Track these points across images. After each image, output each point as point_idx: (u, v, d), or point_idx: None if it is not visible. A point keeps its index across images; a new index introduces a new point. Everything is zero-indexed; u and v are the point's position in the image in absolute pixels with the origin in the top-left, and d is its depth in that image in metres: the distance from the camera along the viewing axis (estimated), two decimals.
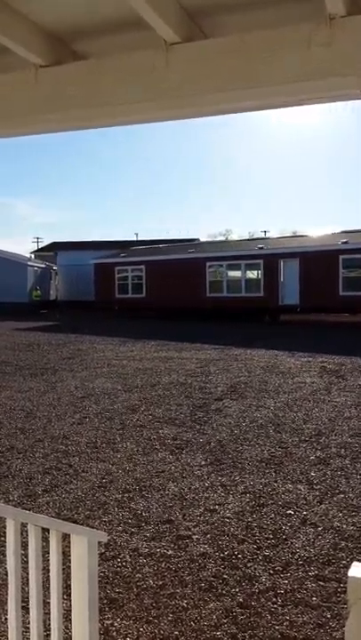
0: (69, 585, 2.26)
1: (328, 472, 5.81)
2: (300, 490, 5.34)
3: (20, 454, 6.59)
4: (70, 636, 2.25)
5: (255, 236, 45.23)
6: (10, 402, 9.47)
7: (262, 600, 3.53)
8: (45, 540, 2.21)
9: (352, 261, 24.02)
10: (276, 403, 9.06)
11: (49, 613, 2.19)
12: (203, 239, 46.63)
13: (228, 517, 4.75)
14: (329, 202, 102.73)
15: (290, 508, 4.91)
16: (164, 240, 42.14)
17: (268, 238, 37.61)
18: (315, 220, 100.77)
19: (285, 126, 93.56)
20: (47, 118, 2.15)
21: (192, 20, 1.88)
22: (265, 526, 4.58)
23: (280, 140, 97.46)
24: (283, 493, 5.26)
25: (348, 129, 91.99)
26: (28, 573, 2.20)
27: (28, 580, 2.20)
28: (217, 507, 4.98)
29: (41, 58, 2.02)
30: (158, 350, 15.87)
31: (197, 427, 7.69)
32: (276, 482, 5.57)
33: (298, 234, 37.68)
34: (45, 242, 53.04)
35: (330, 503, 5.02)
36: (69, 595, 2.29)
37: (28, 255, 44.87)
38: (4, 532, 2.26)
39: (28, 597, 2.20)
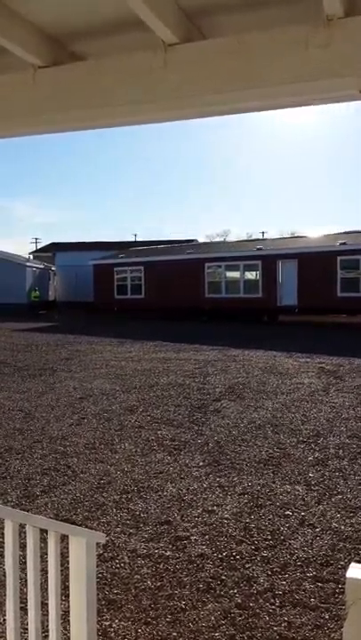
0: (68, 586, 2.26)
1: (326, 473, 5.81)
2: (298, 491, 5.35)
3: (18, 455, 6.58)
4: (68, 637, 2.25)
5: (253, 237, 45.27)
6: (8, 402, 9.45)
7: (260, 601, 3.53)
8: (44, 541, 2.21)
9: (350, 262, 24.05)
10: (274, 404, 9.06)
11: (47, 614, 2.19)
12: (201, 240, 46.69)
13: (226, 518, 4.75)
14: (329, 202, 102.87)
15: (288, 509, 4.91)
16: (162, 241, 42.17)
17: (267, 239, 37.67)
18: (315, 220, 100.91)
19: (285, 126, 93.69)
20: (46, 119, 2.15)
21: (190, 21, 1.88)
22: (263, 527, 4.58)
23: (280, 141, 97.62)
24: (281, 494, 5.26)
25: (348, 129, 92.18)
26: (26, 574, 2.20)
27: (26, 581, 2.20)
28: (215, 508, 4.98)
29: (39, 58, 2.02)
30: (157, 351, 15.86)
31: (196, 428, 7.69)
32: (274, 483, 5.57)
33: (296, 234, 37.74)
34: (44, 242, 53.04)
35: (328, 504, 5.02)
36: (68, 596, 2.29)
37: (26, 256, 44.85)
38: (2, 534, 2.25)
39: (26, 598, 2.20)
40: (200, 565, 3.98)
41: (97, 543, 2.28)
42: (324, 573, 3.85)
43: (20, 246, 64.61)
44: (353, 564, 1.63)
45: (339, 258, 24.19)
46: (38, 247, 52.87)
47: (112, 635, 3.22)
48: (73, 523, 4.49)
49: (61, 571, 2.22)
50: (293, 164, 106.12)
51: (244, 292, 27.16)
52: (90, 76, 2.03)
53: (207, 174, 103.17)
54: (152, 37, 1.84)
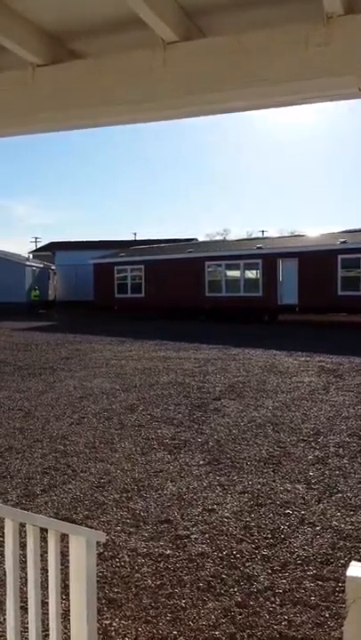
0: (68, 585, 2.26)
1: (326, 471, 5.82)
2: (298, 489, 5.35)
3: (18, 454, 6.58)
4: (69, 636, 2.25)
5: (253, 236, 45.25)
6: (8, 402, 9.46)
7: (261, 599, 3.53)
8: (44, 540, 2.21)
9: (351, 261, 24.04)
10: (274, 402, 9.06)
11: (47, 613, 2.19)
12: (201, 239, 46.66)
13: (226, 517, 4.75)
14: (329, 202, 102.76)
15: (288, 508, 4.91)
16: (162, 240, 42.16)
17: (267, 238, 37.64)
18: (315, 220, 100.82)
19: (285, 126, 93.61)
20: (45, 117, 2.14)
21: (190, 20, 1.87)
22: (263, 526, 4.58)
23: (280, 140, 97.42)
24: (281, 493, 5.26)
25: (348, 128, 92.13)
26: (26, 573, 2.20)
27: (26, 580, 2.20)
28: (215, 506, 4.98)
29: (38, 57, 2.01)
30: (157, 350, 15.86)
31: (196, 426, 7.69)
32: (274, 481, 5.57)
33: (296, 233, 37.71)
34: (44, 242, 53.00)
35: (328, 502, 5.02)
36: (68, 595, 2.29)
37: (26, 255, 44.83)
38: (3, 533, 2.25)
39: (26, 597, 2.20)
40: (200, 564, 3.98)
41: (97, 542, 2.28)
42: (325, 572, 3.85)
43: (20, 246, 64.62)
44: (353, 563, 1.63)
45: (339, 257, 24.17)
46: (38, 246, 52.86)
47: (112, 633, 3.22)
48: (73, 522, 4.49)
49: (62, 570, 2.22)
50: (294, 163, 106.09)
51: (244, 290, 27.14)
52: (89, 75, 2.02)
53: (207, 174, 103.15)
54: (151, 36, 1.84)
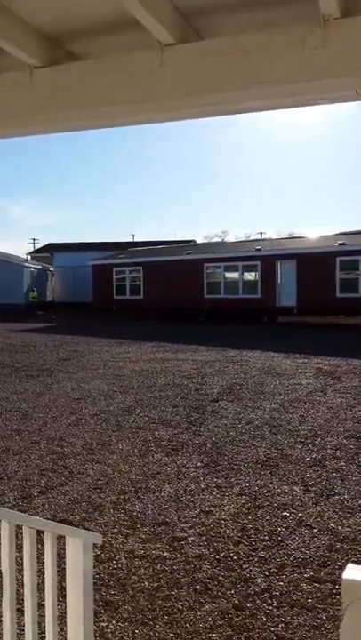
0: (65, 587, 2.25)
1: (324, 473, 5.82)
2: (295, 491, 5.34)
3: (15, 456, 6.57)
4: (65, 639, 2.24)
5: (252, 238, 45.29)
6: (5, 403, 9.44)
7: (258, 602, 3.53)
8: (40, 542, 2.20)
9: (349, 263, 24.07)
10: (271, 404, 9.06)
11: (44, 616, 2.18)
12: (199, 241, 46.68)
13: (223, 519, 4.75)
14: (329, 202, 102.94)
15: (285, 510, 4.91)
16: (160, 241, 42.17)
17: (266, 239, 37.69)
18: (315, 221, 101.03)
19: (285, 126, 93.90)
20: (43, 119, 2.14)
21: (187, 22, 1.88)
22: (260, 528, 4.58)
23: (280, 140, 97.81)
24: (278, 495, 5.26)
25: (348, 129, 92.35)
26: (22, 576, 2.19)
27: (22, 582, 2.19)
28: (213, 508, 4.98)
29: (36, 59, 2.02)
30: (155, 352, 15.86)
31: (193, 428, 7.69)
32: (271, 483, 5.56)
33: (295, 235, 37.75)
34: (42, 243, 52.97)
35: (325, 505, 5.02)
36: (65, 597, 2.28)
37: (24, 257, 44.81)
38: None
39: (23, 600, 2.20)
40: (197, 566, 3.98)
41: (94, 544, 2.27)
42: (322, 574, 3.84)
43: (19, 247, 64.57)
44: (350, 565, 1.62)
45: (338, 258, 24.21)
46: (36, 248, 52.83)
47: (109, 636, 3.21)
48: (70, 524, 4.48)
49: (58, 572, 2.21)
50: (294, 163, 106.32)
51: (243, 292, 27.17)
52: (88, 76, 2.03)
53: (207, 174, 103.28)
54: (149, 38, 1.84)
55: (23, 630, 2.20)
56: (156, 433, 7.48)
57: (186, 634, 3.22)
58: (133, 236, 52.56)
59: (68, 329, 23.36)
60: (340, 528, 4.54)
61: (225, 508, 4.97)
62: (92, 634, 2.23)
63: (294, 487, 5.45)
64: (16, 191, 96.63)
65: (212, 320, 25.88)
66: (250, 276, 27.41)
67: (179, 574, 3.87)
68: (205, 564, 4.00)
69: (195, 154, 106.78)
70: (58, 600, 2.22)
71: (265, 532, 4.50)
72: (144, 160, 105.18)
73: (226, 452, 6.61)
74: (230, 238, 58.72)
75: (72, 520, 4.73)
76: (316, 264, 24.54)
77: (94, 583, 2.88)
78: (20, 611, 2.21)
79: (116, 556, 4.15)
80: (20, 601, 2.22)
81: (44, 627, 2.19)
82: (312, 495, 5.24)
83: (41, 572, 2.20)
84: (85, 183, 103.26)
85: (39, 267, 39.11)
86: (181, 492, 5.38)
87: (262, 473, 5.87)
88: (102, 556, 4.12)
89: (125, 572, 3.92)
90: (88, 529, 4.36)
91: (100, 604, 3.50)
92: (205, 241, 52.25)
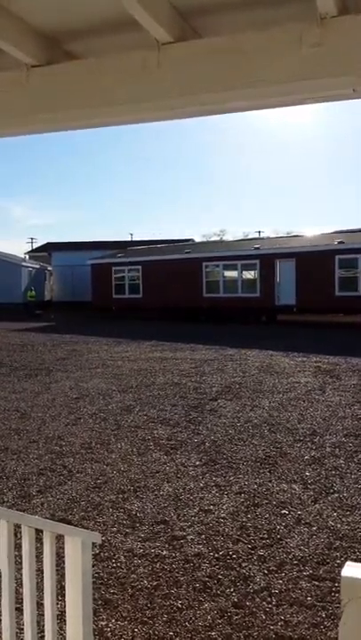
0: (64, 586, 2.25)
1: (322, 472, 5.82)
2: (294, 489, 5.35)
3: (14, 455, 6.57)
4: (65, 638, 2.24)
5: (250, 236, 45.29)
6: (4, 403, 9.44)
7: (257, 600, 3.54)
8: (39, 541, 2.20)
9: (348, 262, 24.07)
10: (270, 403, 9.07)
11: (43, 615, 2.19)
12: (197, 240, 46.67)
13: (222, 517, 4.75)
14: (329, 202, 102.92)
15: (284, 508, 4.92)
16: (158, 241, 42.15)
17: (264, 238, 37.69)
18: (315, 221, 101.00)
19: (286, 126, 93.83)
20: (40, 118, 2.14)
21: (185, 21, 1.87)
22: (259, 526, 4.58)
23: (281, 140, 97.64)
24: (277, 493, 5.26)
25: (347, 128, 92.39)
26: (21, 575, 2.19)
27: (22, 581, 2.19)
28: (212, 507, 4.98)
29: (32, 58, 2.01)
30: (153, 351, 15.86)
31: (192, 427, 7.69)
32: (270, 482, 5.57)
33: (293, 234, 37.75)
34: (42, 242, 52.90)
35: (324, 503, 5.03)
36: (64, 596, 2.28)
37: (22, 256, 44.78)
38: None
39: (22, 599, 2.20)
40: (196, 565, 3.98)
41: (93, 543, 2.27)
42: (321, 572, 3.85)
43: (18, 247, 64.41)
44: (348, 563, 1.63)
45: (337, 257, 24.21)
46: (34, 247, 52.79)
47: (108, 634, 3.21)
48: (69, 523, 4.48)
49: (57, 571, 2.21)
50: (294, 163, 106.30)
51: (242, 291, 27.16)
52: (85, 75, 2.02)
53: (207, 174, 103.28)
54: (147, 37, 1.84)
55: (22, 629, 2.21)
56: (155, 432, 7.48)
57: (185, 632, 3.22)
58: (132, 234, 52.50)
59: (66, 328, 23.35)
60: (339, 526, 4.54)
61: (224, 507, 4.97)
62: (91, 633, 2.24)
63: (293, 485, 5.46)
64: (16, 191, 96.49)
65: (211, 319, 25.88)
66: (249, 274, 27.40)
67: (178, 573, 3.88)
68: (205, 563, 4.00)
69: (195, 154, 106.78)
70: (57, 599, 2.22)
71: (264, 530, 4.51)
72: (144, 160, 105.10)
73: (225, 450, 6.62)
74: (228, 237, 58.70)
75: (71, 519, 4.74)
76: (315, 263, 24.54)
77: (93, 582, 2.88)
78: (20, 610, 2.21)
79: (115, 554, 4.15)
80: (19, 600, 2.22)
81: (44, 625, 2.19)
82: (311, 493, 5.25)
83: (40, 571, 2.20)
84: (85, 183, 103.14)
85: (37, 266, 39.09)
86: (180, 490, 5.38)
87: (261, 471, 5.88)
88: (101, 554, 4.12)
89: (124, 570, 3.93)
90: (87, 528, 4.36)
91: (100, 602, 3.50)
92: (204, 240, 52.25)
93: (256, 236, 43.73)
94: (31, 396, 9.93)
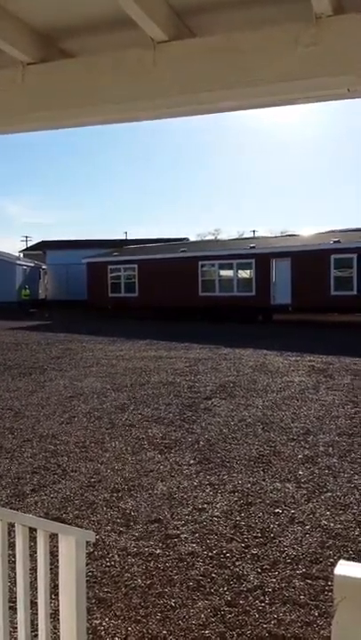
0: (57, 585, 2.25)
1: (316, 470, 5.84)
2: (288, 488, 5.37)
3: (8, 454, 6.55)
4: (58, 636, 2.24)
5: (245, 236, 45.31)
6: None
7: (250, 598, 3.54)
8: (33, 539, 2.20)
9: (343, 261, 24.13)
10: (264, 402, 9.08)
11: (37, 613, 2.18)
12: (192, 239, 46.65)
13: (216, 516, 4.76)
14: (329, 202, 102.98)
15: (278, 507, 4.93)
16: (153, 239, 42.11)
17: (260, 237, 37.70)
18: (314, 221, 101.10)
19: (286, 126, 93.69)
20: (35, 116, 2.14)
21: (180, 19, 1.87)
22: (253, 525, 4.59)
23: (281, 140, 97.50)
24: (271, 492, 5.28)
25: (345, 128, 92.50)
26: (15, 573, 2.19)
27: (15, 580, 2.19)
28: (205, 505, 4.99)
29: (28, 55, 2.01)
30: (148, 350, 15.85)
31: (186, 426, 7.70)
32: (264, 480, 5.58)
33: (288, 233, 37.81)
34: (36, 241, 52.70)
35: (318, 501, 5.04)
36: (57, 594, 2.28)
37: (16, 254, 44.62)
38: None
39: (15, 598, 2.19)
40: (190, 563, 3.99)
41: (87, 541, 2.27)
42: (314, 570, 3.86)
43: (13, 245, 64.05)
44: (341, 562, 1.63)
45: (332, 256, 24.26)
46: (29, 245, 52.59)
47: (102, 633, 3.21)
48: (63, 521, 4.48)
49: (51, 569, 2.21)
50: (294, 163, 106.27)
51: (237, 290, 27.17)
52: (80, 74, 2.02)
53: (207, 174, 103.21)
54: (141, 35, 1.84)
55: (16, 628, 2.20)
56: (149, 431, 7.48)
57: (179, 631, 3.23)
58: (126, 233, 52.40)
59: (61, 327, 23.30)
60: (332, 525, 4.56)
61: (218, 506, 4.98)
62: (84, 631, 2.24)
63: (287, 484, 5.47)
64: (15, 191, 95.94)
65: (206, 318, 25.88)
66: (245, 273, 27.41)
67: (172, 571, 3.88)
68: (198, 562, 4.01)
69: (195, 154, 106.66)
70: (51, 597, 2.22)
71: (257, 529, 4.52)
72: (144, 160, 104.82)
73: (219, 449, 6.62)
74: (224, 236, 58.67)
75: (65, 518, 4.73)
76: (310, 262, 24.58)
77: (87, 580, 2.88)
78: (13, 609, 2.21)
79: (109, 553, 4.15)
80: (12, 599, 2.21)
81: (37, 624, 2.19)
82: (304, 492, 5.27)
83: (33, 570, 2.20)
84: (85, 183, 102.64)
85: (31, 264, 38.97)
86: (174, 489, 5.39)
87: (255, 470, 5.89)
88: (95, 553, 4.12)
89: (118, 569, 3.93)
90: (81, 527, 4.36)
91: (93, 601, 3.50)
92: (199, 239, 52.23)
93: (251, 235, 43.70)
94: (25, 395, 9.91)
